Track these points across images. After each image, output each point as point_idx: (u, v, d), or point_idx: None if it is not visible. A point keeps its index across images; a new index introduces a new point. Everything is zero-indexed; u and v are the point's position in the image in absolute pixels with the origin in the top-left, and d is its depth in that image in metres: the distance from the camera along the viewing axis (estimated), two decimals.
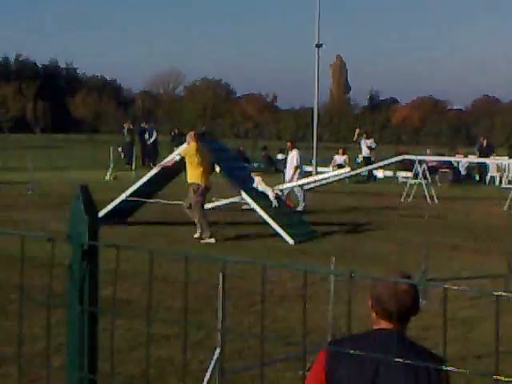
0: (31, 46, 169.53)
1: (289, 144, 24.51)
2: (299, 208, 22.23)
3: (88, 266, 1.90)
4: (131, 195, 18.58)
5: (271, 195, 17.85)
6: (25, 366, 7.73)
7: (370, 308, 3.97)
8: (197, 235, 16.90)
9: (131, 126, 42.29)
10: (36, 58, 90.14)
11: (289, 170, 23.24)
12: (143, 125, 44.72)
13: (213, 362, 7.04)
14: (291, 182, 22.29)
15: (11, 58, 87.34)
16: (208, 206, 20.61)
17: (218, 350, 7.09)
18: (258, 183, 18.62)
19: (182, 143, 20.37)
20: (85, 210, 1.90)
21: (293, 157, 23.32)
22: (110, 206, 18.76)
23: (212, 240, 16.60)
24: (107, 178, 31.56)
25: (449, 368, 3.86)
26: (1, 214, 18.98)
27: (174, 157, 18.00)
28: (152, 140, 41.34)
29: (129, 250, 2.07)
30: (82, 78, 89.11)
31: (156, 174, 18.69)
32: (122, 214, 18.72)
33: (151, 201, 19.37)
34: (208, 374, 7.02)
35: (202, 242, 16.56)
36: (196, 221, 17.00)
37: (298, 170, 22.89)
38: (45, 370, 7.91)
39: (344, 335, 3.64)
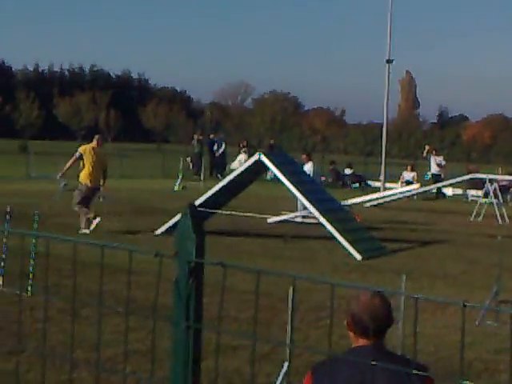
0: (105, 57, 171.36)
1: (304, 156, 25.70)
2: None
3: (194, 282, 1.87)
4: (199, 206, 18.60)
5: None
6: (98, 371, 7.77)
7: (346, 329, 4.06)
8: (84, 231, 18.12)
9: (201, 137, 42.50)
10: (110, 69, 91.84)
11: None
12: (212, 136, 45.03)
13: (281, 376, 6.99)
14: None
15: (86, 68, 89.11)
16: (276, 218, 20.58)
17: (286, 364, 7.03)
18: None
19: (251, 155, 20.49)
20: (192, 227, 1.87)
21: (308, 169, 24.20)
22: (178, 216, 18.83)
23: (87, 231, 17.92)
24: (176, 188, 31.75)
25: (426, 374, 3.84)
26: (75, 221, 19.20)
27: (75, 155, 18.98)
28: (221, 151, 41.51)
29: (235, 268, 2.03)
30: (153, 89, 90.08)
31: (224, 186, 18.75)
32: None
33: (219, 211, 19.38)
34: None
35: (79, 231, 17.85)
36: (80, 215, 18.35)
37: None
38: (114, 375, 7.94)
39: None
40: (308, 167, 24.42)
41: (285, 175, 17.92)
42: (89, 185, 18.52)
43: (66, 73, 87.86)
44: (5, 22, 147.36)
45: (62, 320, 9.41)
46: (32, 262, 11.12)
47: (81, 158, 18.69)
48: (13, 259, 12.00)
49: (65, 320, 9.53)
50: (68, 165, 19.31)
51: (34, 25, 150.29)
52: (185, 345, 1.91)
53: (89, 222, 18.05)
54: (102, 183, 19.00)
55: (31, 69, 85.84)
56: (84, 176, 18.62)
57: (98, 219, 17.97)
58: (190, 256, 1.86)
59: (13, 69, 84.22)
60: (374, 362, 3.65)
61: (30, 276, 11.17)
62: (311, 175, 23.59)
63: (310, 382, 3.84)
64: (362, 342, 3.90)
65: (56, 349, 8.47)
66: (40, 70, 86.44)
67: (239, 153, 43.45)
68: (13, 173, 34.69)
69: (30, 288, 11.26)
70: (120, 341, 8.82)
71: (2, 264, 11.69)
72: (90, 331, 8.58)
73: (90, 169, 18.53)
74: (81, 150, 18.97)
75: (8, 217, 11.80)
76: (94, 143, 19.31)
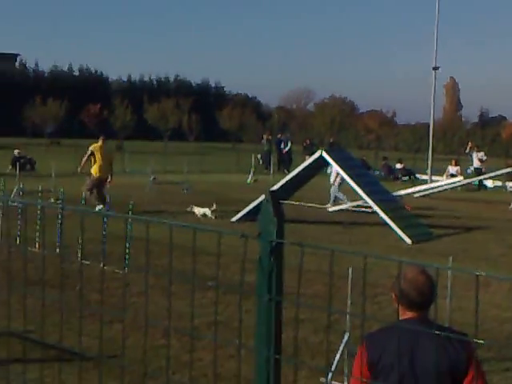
0: (187, 68, 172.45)
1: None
2: (329, 204, 22.41)
3: (275, 260, 1.91)
4: None
5: None
6: (184, 338, 7.89)
7: (394, 302, 4.04)
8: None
9: (269, 137, 42.71)
10: (191, 78, 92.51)
11: (333, 175, 23.71)
12: (279, 136, 45.15)
13: (342, 345, 7.01)
14: (335, 184, 23.05)
15: (171, 78, 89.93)
16: (336, 208, 20.55)
17: (346, 334, 7.06)
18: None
19: (313, 152, 20.51)
20: (273, 212, 1.92)
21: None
22: (251, 205, 18.94)
23: (100, 206, 18.70)
24: (249, 180, 31.90)
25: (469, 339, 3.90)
26: (164, 207, 19.45)
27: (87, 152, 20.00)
28: (287, 149, 41.75)
29: (312, 248, 2.05)
30: (228, 95, 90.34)
31: (290, 179, 18.81)
32: (258, 213, 18.83)
33: (286, 202, 19.43)
34: (338, 355, 6.99)
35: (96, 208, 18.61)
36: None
37: (339, 175, 22.86)
38: (200, 341, 8.06)
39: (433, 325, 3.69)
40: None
41: (343, 169, 17.90)
42: (97, 175, 19.57)
43: (154, 82, 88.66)
44: (102, 39, 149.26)
45: (154, 294, 9.57)
46: (128, 244, 11.32)
47: (92, 154, 19.76)
48: (112, 242, 12.26)
49: (156, 294, 9.69)
50: (84, 160, 20.18)
51: (126, 40, 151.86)
52: (267, 315, 1.94)
53: (100, 200, 18.95)
54: (109, 177, 19.83)
55: (125, 79, 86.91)
56: (94, 169, 19.71)
57: (100, 207, 18.87)
58: (271, 236, 1.89)
59: (109, 79, 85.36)
60: (420, 332, 3.69)
61: (127, 256, 11.38)
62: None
63: (364, 349, 3.84)
64: (408, 314, 3.90)
65: (149, 319, 8.61)
66: (132, 79, 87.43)
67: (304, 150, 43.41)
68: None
69: (126, 267, 11.48)
70: (203, 313, 8.94)
71: (103, 247, 11.91)
72: (177, 304, 8.70)
73: (99, 163, 19.59)
74: (92, 148, 19.94)
75: (107, 205, 12.00)
76: (100, 143, 20.11)
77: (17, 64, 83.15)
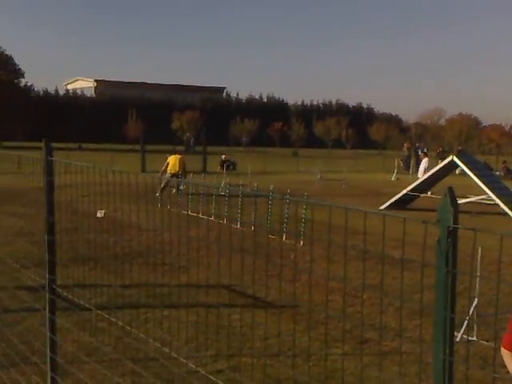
0: (344, 92, 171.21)
1: (422, 154, 25.54)
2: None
3: (451, 241, 1.87)
4: (410, 191, 18.27)
5: None
6: (345, 295, 7.73)
7: None
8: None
9: (409, 145, 41.83)
10: (348, 101, 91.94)
11: (420, 173, 23.38)
12: (417, 144, 44.28)
13: (472, 308, 6.67)
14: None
15: (333, 101, 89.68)
16: (464, 200, 19.67)
17: (475, 300, 6.70)
18: None
19: (444, 158, 19.77)
20: (451, 203, 1.86)
21: (424, 163, 23.69)
22: (395, 197, 18.59)
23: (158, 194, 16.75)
24: (393, 178, 31.17)
25: None
26: (324, 199, 19.37)
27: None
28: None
29: (484, 233, 1.97)
30: (376, 114, 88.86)
31: (426, 179, 18.33)
32: (403, 203, 18.38)
33: (422, 195, 18.82)
34: (468, 318, 6.67)
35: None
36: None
37: (426, 172, 22.38)
38: (357, 298, 7.91)
39: None
40: (425, 161, 23.72)
41: (471, 170, 17.15)
42: (170, 174, 19.40)
43: (321, 105, 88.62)
44: (282, 71, 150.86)
45: (321, 262, 9.52)
46: (303, 224, 11.37)
47: (168, 162, 19.94)
48: (291, 222, 12.34)
49: (323, 262, 9.64)
50: (164, 167, 19.96)
51: (301, 72, 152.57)
52: (445, 284, 1.90)
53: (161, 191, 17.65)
54: (181, 173, 19.64)
55: (299, 103, 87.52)
56: (171, 169, 19.64)
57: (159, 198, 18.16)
58: (448, 222, 1.84)
59: (288, 103, 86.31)
60: None
61: (301, 232, 11.42)
62: (425, 167, 23.00)
63: None
64: None
65: (319, 280, 8.58)
66: (305, 103, 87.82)
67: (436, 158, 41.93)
68: (288, 169, 35.62)
69: (301, 241, 11.52)
70: (359, 277, 8.79)
71: (284, 225, 12.02)
72: (339, 269, 8.60)
73: (171, 167, 19.66)
74: (169, 158, 20.09)
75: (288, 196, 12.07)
76: (178, 154, 20.49)
77: (224, 94, 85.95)
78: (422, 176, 22.77)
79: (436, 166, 20.03)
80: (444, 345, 1.97)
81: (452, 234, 1.89)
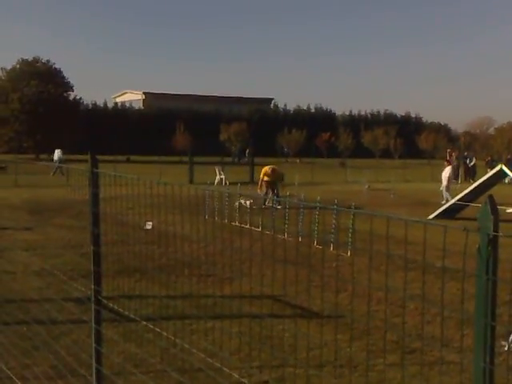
0: (394, 102, 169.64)
1: (446, 163, 24.81)
2: (443, 202, 20.95)
3: (491, 249, 1.88)
4: (458, 200, 17.94)
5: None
6: (391, 306, 7.62)
7: None
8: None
9: (457, 154, 41.20)
10: (396, 111, 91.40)
11: (444, 180, 23.31)
12: (466, 153, 43.57)
13: None
14: (447, 187, 22.92)
15: (381, 111, 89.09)
16: (511, 210, 19.28)
17: None
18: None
19: (494, 166, 19.38)
20: (491, 210, 1.88)
21: (447, 171, 23.37)
22: (444, 207, 18.30)
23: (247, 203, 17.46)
24: (441, 188, 30.64)
25: None
26: (372, 209, 19.16)
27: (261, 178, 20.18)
28: (472, 164, 40.10)
29: None
30: (425, 123, 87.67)
31: (475, 187, 17.99)
32: (451, 213, 18.05)
33: (472, 204, 18.44)
34: None
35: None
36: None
37: (450, 180, 23.48)
38: (404, 308, 7.78)
39: None
40: (447, 170, 23.56)
41: None
42: (267, 182, 19.64)
43: (369, 115, 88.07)
44: (331, 83, 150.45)
45: (367, 272, 9.40)
46: (350, 234, 11.27)
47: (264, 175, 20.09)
48: (339, 233, 12.24)
49: (371, 271, 9.52)
50: (260, 182, 20.20)
51: (348, 83, 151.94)
52: (485, 291, 1.92)
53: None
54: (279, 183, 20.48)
55: (347, 113, 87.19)
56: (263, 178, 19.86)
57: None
58: (488, 230, 1.86)
59: (336, 114, 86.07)
60: None
61: (349, 242, 11.32)
62: (449, 175, 23.25)
63: None
64: None
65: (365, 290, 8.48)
66: (352, 113, 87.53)
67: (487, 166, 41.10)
68: (335, 179, 35.44)
69: (349, 251, 11.42)
70: (404, 287, 8.65)
71: (332, 236, 11.94)
72: (385, 279, 8.49)
73: (266, 178, 19.79)
74: (263, 170, 20.17)
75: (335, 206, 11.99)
76: (268, 167, 20.18)
77: (271, 105, 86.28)
78: (445, 184, 23.29)
79: (485, 174, 19.62)
80: (485, 353, 1.96)
81: (492, 242, 1.89)
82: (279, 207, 15.33)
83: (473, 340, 1.98)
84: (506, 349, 6.12)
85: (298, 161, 59.28)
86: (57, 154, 36.05)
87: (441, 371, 5.68)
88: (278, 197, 19.10)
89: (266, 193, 19.69)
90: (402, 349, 6.17)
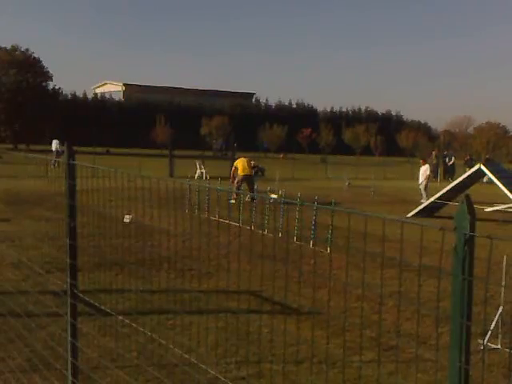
0: (375, 100, 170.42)
1: (422, 161, 25.07)
2: (422, 200, 21.44)
3: (468, 249, 1.86)
4: (437, 199, 18.06)
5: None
6: (371, 303, 7.64)
7: None
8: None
9: (437, 153, 41.48)
10: (377, 109, 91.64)
11: (421, 178, 23.72)
12: (445, 152, 43.92)
13: (497, 316, 6.56)
14: (424, 185, 23.26)
15: (362, 108, 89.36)
16: (491, 208, 19.39)
17: (501, 308, 6.59)
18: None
19: (472, 166, 19.56)
20: (468, 210, 1.86)
21: (426, 169, 23.67)
22: (422, 205, 18.43)
23: (233, 201, 18.10)
24: (420, 186, 30.89)
25: None
26: (352, 206, 19.23)
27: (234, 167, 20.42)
28: (451, 162, 40.45)
29: (500, 240, 1.97)
30: (406, 121, 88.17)
31: (453, 186, 18.12)
32: (430, 211, 18.18)
33: (450, 203, 18.59)
34: (493, 324, 6.55)
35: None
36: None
37: (428, 178, 23.57)
38: (384, 306, 7.81)
39: None
40: (425, 168, 23.89)
41: (498, 179, 16.86)
42: (241, 176, 19.66)
43: (350, 112, 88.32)
44: (313, 79, 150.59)
45: (349, 269, 9.44)
46: (330, 231, 11.28)
47: (236, 166, 20.16)
48: (318, 229, 12.28)
49: (350, 269, 9.56)
50: (232, 172, 20.31)
51: (329, 79, 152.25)
52: (461, 291, 1.89)
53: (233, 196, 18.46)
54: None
55: (328, 109, 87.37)
56: (241, 171, 19.73)
57: (232, 201, 18.17)
58: (465, 230, 1.84)
59: (317, 110, 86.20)
60: None
61: (329, 240, 11.34)
62: (427, 173, 23.56)
63: None
64: None
65: (346, 287, 8.51)
66: (334, 110, 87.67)
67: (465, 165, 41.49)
68: (316, 175, 35.53)
69: (328, 248, 11.44)
70: (385, 284, 8.70)
71: (312, 233, 11.97)
72: (366, 277, 8.54)
73: (240, 169, 19.77)
74: (236, 163, 20.44)
75: (315, 203, 12.00)
76: (246, 160, 20.43)
77: (253, 100, 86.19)
78: (421, 183, 23.75)
79: (464, 173, 19.79)
80: (460, 352, 1.96)
81: (469, 242, 1.88)
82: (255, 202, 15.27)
83: (449, 338, 1.99)
84: (481, 347, 6.18)
85: (281, 156, 59.28)
86: (54, 144, 34.46)
87: (417, 369, 5.71)
88: (253, 192, 18.73)
89: (239, 187, 19.46)
90: (379, 346, 6.19)
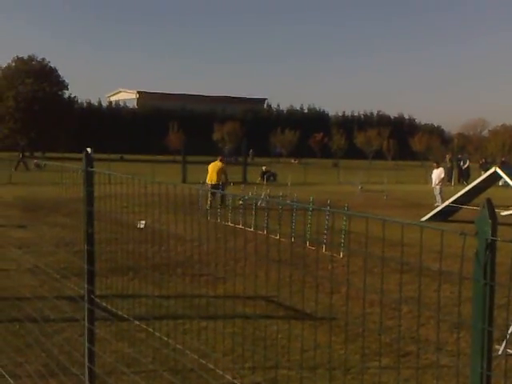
0: (387, 104, 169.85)
1: (435, 164, 24.58)
2: (436, 204, 21.21)
3: (489, 254, 1.83)
4: (452, 202, 17.91)
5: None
6: (385, 308, 7.57)
7: None
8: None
9: (451, 156, 41.16)
10: (389, 112, 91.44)
11: (435, 181, 23.36)
12: (460, 155, 43.57)
13: None
14: (439, 189, 22.89)
15: (374, 113, 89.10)
16: (508, 212, 19.24)
17: None
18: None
19: (488, 169, 19.38)
20: (489, 215, 1.82)
21: (440, 172, 23.35)
22: (437, 209, 18.27)
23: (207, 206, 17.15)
24: (435, 192, 30.73)
25: None
26: (365, 210, 19.14)
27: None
28: (465, 166, 40.08)
29: None
30: (419, 125, 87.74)
31: (468, 190, 17.92)
32: (445, 215, 18.04)
33: (465, 207, 18.43)
34: (510, 329, 6.47)
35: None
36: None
37: (442, 181, 23.32)
38: (398, 311, 7.77)
39: None
40: (439, 171, 23.50)
41: None
42: (208, 184, 19.01)
43: (362, 116, 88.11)
44: (325, 84, 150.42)
45: (361, 273, 9.38)
46: (343, 236, 11.24)
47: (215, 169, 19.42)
48: (332, 234, 12.21)
49: (363, 274, 9.49)
50: (210, 173, 19.62)
51: (342, 84, 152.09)
52: (483, 296, 1.86)
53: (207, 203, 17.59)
54: (220, 182, 18.96)
55: (340, 114, 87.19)
56: (208, 179, 19.42)
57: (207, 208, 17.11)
58: (486, 235, 1.80)
59: (329, 114, 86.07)
60: None
61: (341, 244, 11.29)
62: (443, 176, 23.32)
63: None
64: None
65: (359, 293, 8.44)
66: (346, 114, 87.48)
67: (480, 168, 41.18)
68: (328, 180, 35.44)
69: (341, 252, 11.39)
70: (398, 289, 8.64)
71: (325, 236, 11.93)
72: (379, 282, 8.47)
73: (210, 174, 19.31)
74: (209, 166, 19.71)
75: (328, 207, 11.95)
76: (218, 160, 19.88)
77: (265, 105, 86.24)
78: (435, 187, 23.41)
79: (479, 177, 19.63)
80: (482, 358, 1.93)
81: (490, 247, 1.85)
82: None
83: (467, 344, 1.96)
84: (499, 353, 6.11)
85: (293, 161, 59.22)
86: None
87: (435, 375, 5.65)
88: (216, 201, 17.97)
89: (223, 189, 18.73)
90: (397, 352, 6.14)
